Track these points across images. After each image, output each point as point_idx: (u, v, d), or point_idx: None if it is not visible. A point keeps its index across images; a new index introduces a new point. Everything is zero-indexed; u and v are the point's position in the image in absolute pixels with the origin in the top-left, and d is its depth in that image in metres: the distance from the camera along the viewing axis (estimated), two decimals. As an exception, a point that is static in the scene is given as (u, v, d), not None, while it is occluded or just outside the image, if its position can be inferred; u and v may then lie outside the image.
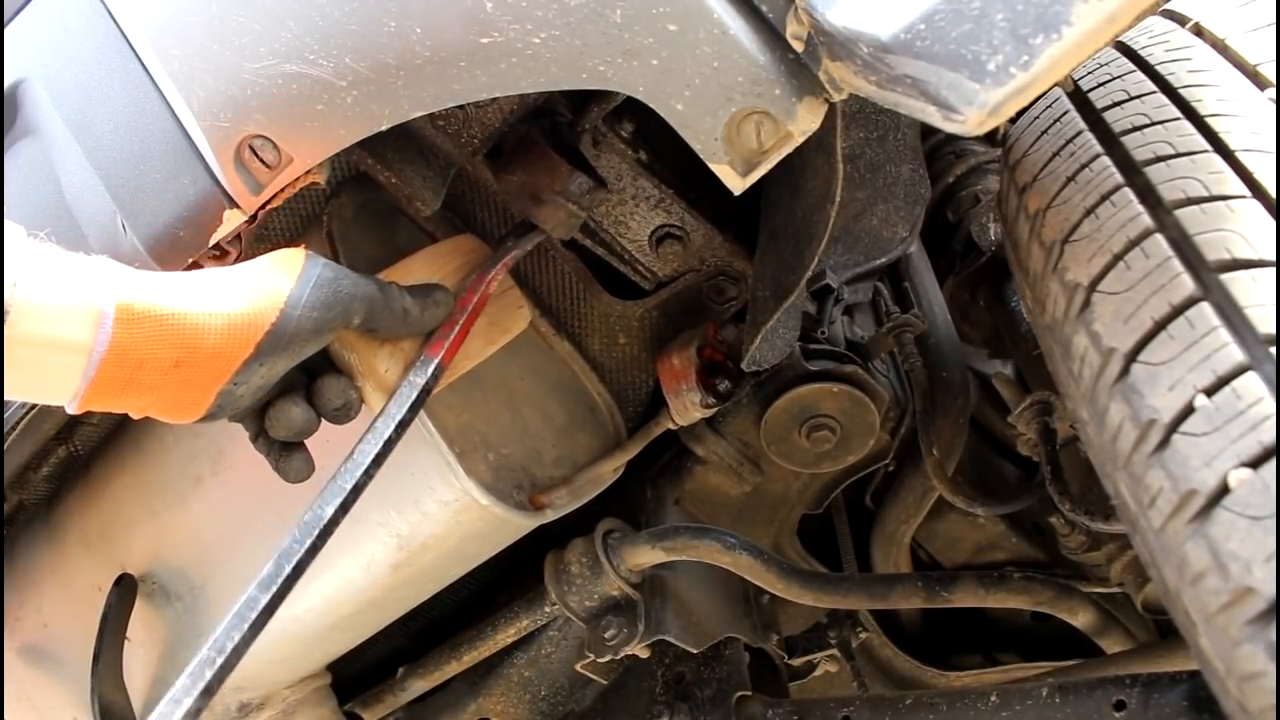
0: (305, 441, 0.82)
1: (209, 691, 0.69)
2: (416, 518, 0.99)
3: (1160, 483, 0.57)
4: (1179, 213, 0.63)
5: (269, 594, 0.72)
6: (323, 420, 0.81)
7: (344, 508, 0.75)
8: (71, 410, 0.69)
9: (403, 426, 0.79)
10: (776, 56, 0.61)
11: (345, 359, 0.83)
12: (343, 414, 0.81)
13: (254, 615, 0.71)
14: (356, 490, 0.76)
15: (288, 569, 0.72)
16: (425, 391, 0.81)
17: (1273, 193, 0.61)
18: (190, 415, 0.75)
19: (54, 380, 0.67)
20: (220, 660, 0.70)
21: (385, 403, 0.81)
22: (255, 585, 0.72)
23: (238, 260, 0.85)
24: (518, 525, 1.03)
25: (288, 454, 0.82)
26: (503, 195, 1.04)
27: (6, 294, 0.62)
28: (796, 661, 1.27)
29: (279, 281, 0.73)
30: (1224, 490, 0.53)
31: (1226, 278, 0.58)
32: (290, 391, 0.79)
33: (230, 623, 0.71)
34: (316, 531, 0.74)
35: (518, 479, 1.05)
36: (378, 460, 0.78)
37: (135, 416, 0.74)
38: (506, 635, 1.19)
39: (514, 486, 1.03)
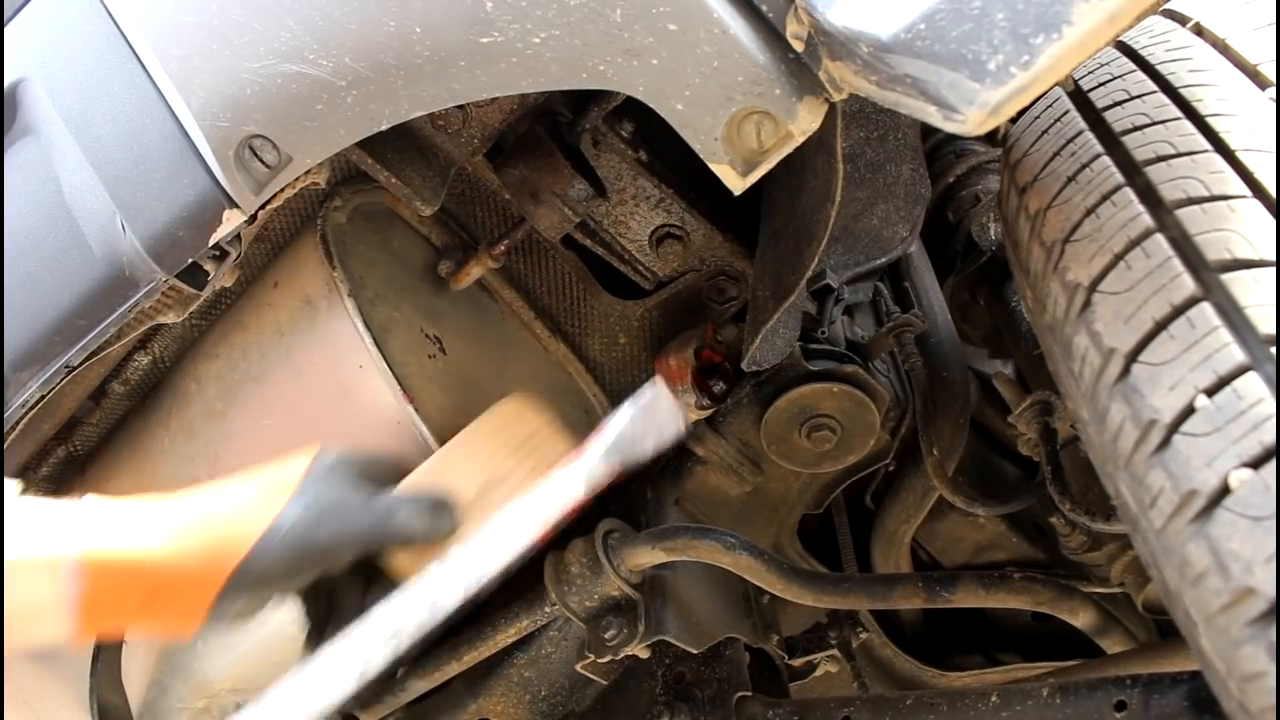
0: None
1: None
2: (411, 520, 0.99)
3: (1161, 483, 0.57)
4: (1180, 212, 0.63)
5: None
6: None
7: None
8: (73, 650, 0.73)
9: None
10: (776, 56, 0.61)
11: (393, 567, 0.82)
12: None
13: None
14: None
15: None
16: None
17: (1273, 192, 0.61)
18: (188, 634, 0.75)
19: (49, 625, 0.70)
20: None
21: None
22: None
23: (237, 260, 0.85)
24: (513, 527, 1.03)
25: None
26: (500, 187, 1.04)
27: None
28: (797, 662, 1.26)
29: (249, 527, 0.74)
30: (1225, 491, 0.52)
31: (1227, 277, 0.58)
32: (340, 610, 0.80)
33: None
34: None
35: (512, 480, 1.05)
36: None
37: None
38: (506, 635, 1.19)
39: (508, 488, 1.03)
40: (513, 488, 0.86)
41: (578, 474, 0.81)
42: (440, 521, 0.82)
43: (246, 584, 0.73)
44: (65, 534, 0.71)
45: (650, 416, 0.81)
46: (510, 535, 0.79)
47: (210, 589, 0.72)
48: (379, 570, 0.82)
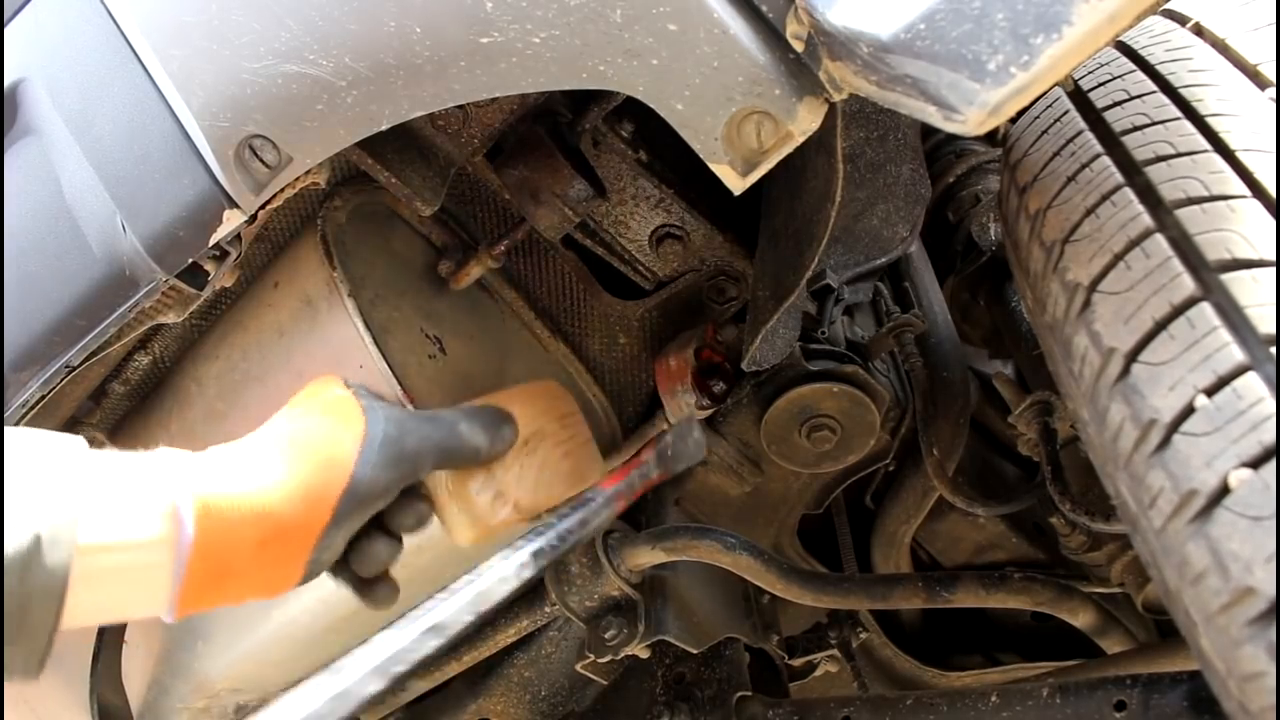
0: None
1: None
2: (411, 520, 0.99)
3: (1161, 483, 0.57)
4: (1179, 212, 0.63)
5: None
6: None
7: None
8: (170, 619, 0.67)
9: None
10: (776, 56, 0.61)
11: (429, 487, 0.83)
12: (418, 531, 0.82)
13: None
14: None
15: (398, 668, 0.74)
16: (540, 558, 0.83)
17: (1273, 192, 0.61)
18: (286, 587, 0.73)
19: (145, 587, 0.65)
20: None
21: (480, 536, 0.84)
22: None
23: (237, 260, 0.85)
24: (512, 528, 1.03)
25: (371, 584, 0.81)
26: (500, 188, 1.04)
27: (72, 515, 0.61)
28: (797, 662, 1.27)
29: (344, 444, 0.73)
30: (1224, 490, 0.53)
31: (1227, 278, 0.58)
32: (367, 526, 0.78)
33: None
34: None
35: (513, 481, 1.05)
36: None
37: (235, 605, 0.72)
38: (506, 635, 1.19)
39: (508, 488, 1.03)
40: (552, 448, 0.89)
41: (628, 485, 0.88)
42: (502, 434, 0.83)
43: (354, 504, 0.72)
44: (169, 479, 0.66)
45: (684, 441, 0.89)
46: (558, 540, 0.83)
47: (320, 519, 0.70)
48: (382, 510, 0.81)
